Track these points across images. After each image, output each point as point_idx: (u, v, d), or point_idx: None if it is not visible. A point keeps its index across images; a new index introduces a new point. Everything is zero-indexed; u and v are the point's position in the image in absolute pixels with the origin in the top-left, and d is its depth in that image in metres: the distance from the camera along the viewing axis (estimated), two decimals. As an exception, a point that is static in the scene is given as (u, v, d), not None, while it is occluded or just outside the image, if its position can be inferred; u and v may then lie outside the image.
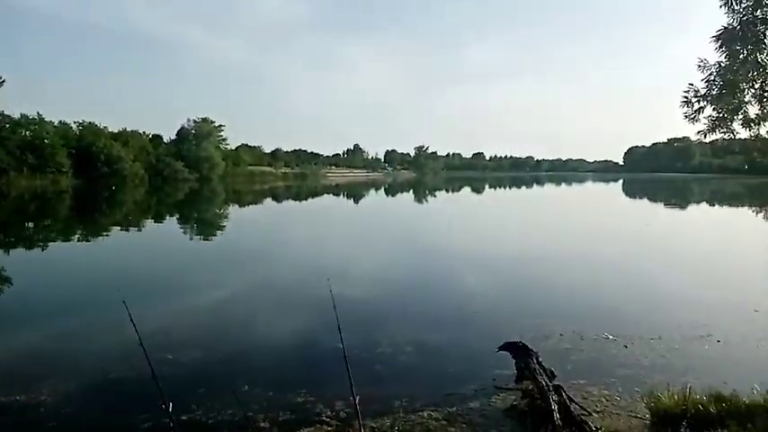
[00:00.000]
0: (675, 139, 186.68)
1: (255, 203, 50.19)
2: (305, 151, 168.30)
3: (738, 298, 12.15)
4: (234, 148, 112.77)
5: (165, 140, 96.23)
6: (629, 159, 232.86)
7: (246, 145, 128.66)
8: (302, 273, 15.62)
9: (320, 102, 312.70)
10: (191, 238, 24.83)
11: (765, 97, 6.16)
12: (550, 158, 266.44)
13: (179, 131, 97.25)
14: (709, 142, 7.01)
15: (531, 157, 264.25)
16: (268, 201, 54.22)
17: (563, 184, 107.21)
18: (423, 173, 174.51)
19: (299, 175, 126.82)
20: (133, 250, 20.41)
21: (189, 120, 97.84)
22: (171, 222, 33.74)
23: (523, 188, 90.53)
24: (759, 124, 6.35)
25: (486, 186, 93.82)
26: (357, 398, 4.98)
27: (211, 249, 21.27)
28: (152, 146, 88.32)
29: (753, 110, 6.31)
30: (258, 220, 35.26)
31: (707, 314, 10.72)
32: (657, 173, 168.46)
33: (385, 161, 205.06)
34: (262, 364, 8.07)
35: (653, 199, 60.75)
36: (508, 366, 7.36)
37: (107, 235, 24.79)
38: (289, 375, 7.54)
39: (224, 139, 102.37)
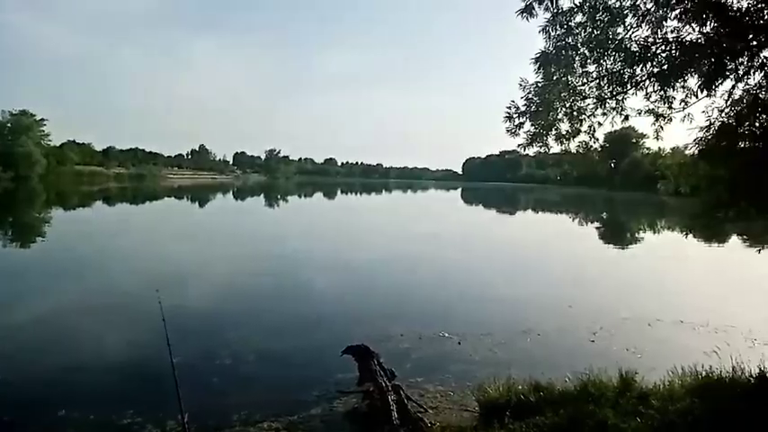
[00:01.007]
0: (506, 152, 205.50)
1: (83, 206, 45.26)
2: (143, 150, 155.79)
3: (556, 295, 13.62)
4: (59, 146, 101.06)
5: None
6: (467, 169, 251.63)
7: (74, 142, 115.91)
8: (131, 283, 14.09)
9: (162, 99, 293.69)
10: (1, 246, 21.56)
11: (574, 116, 6.98)
12: (398, 166, 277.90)
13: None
14: (534, 155, 7.72)
15: (381, 165, 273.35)
16: (98, 204, 49.21)
17: (409, 191, 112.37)
18: (274, 177, 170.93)
19: (135, 176, 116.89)
20: None
21: (4, 112, 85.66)
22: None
23: (373, 194, 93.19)
24: (569, 140, 7.17)
25: (339, 192, 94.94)
26: (186, 414, 4.63)
27: (27, 258, 18.65)
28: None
29: (564, 126, 7.12)
30: (84, 225, 31.73)
31: (530, 310, 11.85)
32: (491, 182, 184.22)
33: (234, 164, 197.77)
34: (82, 386, 7.18)
35: (487, 206, 66.21)
36: (352, 370, 7.38)
37: None
38: (113, 396, 6.81)
39: (46, 135, 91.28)
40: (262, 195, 76.27)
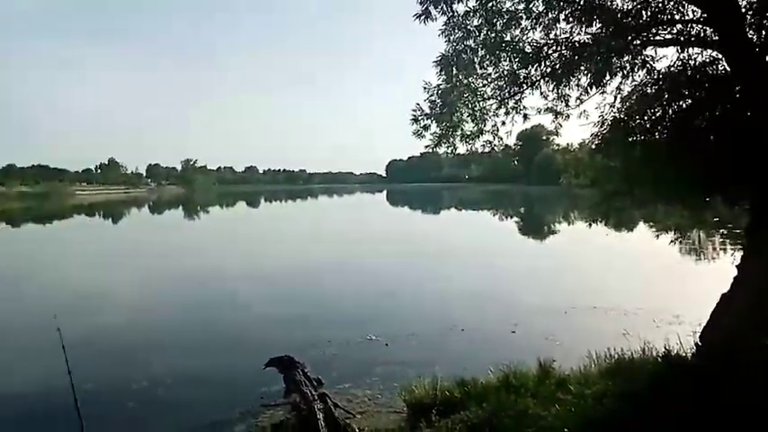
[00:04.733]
0: (427, 153, 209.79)
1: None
2: (47, 167, 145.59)
3: (478, 290, 14.01)
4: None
5: None
6: (391, 171, 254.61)
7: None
8: (27, 311, 13.07)
9: (65, 112, 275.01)
10: None
11: (477, 116, 7.20)
12: (322, 171, 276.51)
13: None
14: (451, 156, 7.85)
15: (304, 171, 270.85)
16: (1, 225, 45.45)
17: (335, 196, 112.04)
18: (192, 188, 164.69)
19: (40, 194, 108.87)
20: None
21: None
22: None
23: (298, 200, 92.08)
24: (474, 140, 7.38)
25: (262, 200, 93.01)
26: (91, 449, 4.34)
27: None
28: None
29: (468, 127, 7.32)
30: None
31: (454, 307, 12.13)
32: (415, 183, 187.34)
33: (148, 176, 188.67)
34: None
35: (412, 207, 67.21)
36: (277, 382, 7.22)
37: None
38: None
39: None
40: (180, 208, 73.26)
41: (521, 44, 6.56)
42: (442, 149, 7.35)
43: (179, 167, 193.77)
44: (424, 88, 6.84)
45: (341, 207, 76.47)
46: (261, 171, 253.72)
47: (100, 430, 4.16)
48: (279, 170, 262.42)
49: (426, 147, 7.27)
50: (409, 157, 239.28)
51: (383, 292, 14.61)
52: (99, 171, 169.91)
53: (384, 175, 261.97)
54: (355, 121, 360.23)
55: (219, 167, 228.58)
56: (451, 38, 6.70)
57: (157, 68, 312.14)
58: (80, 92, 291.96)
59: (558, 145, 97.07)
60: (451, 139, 7.23)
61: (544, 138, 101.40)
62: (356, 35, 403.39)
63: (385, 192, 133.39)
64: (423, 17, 6.55)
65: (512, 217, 46.88)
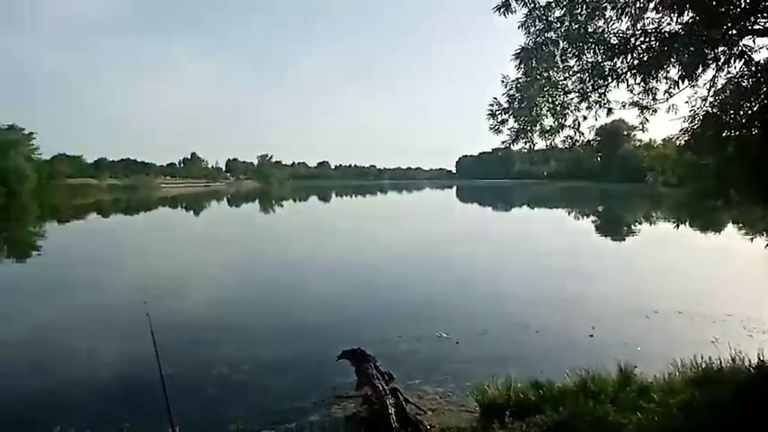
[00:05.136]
0: (499, 149, 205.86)
1: (77, 219, 45.02)
2: (134, 161, 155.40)
3: (553, 290, 13.61)
4: (49, 159, 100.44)
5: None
6: (461, 167, 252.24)
7: (64, 155, 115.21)
8: (122, 296, 13.95)
9: (152, 109, 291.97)
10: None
11: (558, 111, 6.96)
12: (392, 167, 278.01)
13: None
14: (528, 151, 7.67)
15: (374, 166, 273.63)
16: (93, 216, 48.97)
17: (404, 192, 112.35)
18: (268, 182, 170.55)
19: (128, 187, 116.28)
20: None
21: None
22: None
23: (368, 196, 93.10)
24: (554, 135, 7.15)
25: (333, 195, 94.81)
26: (177, 428, 4.59)
27: (18, 274, 18.53)
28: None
29: (548, 122, 7.11)
30: (77, 238, 31.58)
31: (527, 307, 11.83)
32: (486, 179, 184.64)
33: (227, 170, 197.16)
34: (76, 400, 7.14)
35: (482, 203, 66.28)
36: (349, 374, 7.33)
37: None
38: (107, 410, 6.77)
39: (35, 149, 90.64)
40: (256, 201, 76.08)
41: (605, 35, 6.29)
42: (519, 145, 7.17)
43: (256, 162, 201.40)
44: (502, 82, 6.71)
45: (408, 202, 76.58)
46: (333, 167, 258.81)
47: (183, 411, 4.38)
48: (350, 166, 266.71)
49: (503, 142, 7.14)
50: (480, 153, 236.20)
51: (452, 289, 14.51)
52: (182, 165, 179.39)
53: (454, 171, 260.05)
54: (426, 117, 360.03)
55: (293, 163, 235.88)
56: (531, 30, 6.52)
57: (237, 68, 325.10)
58: (166, 90, 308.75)
59: (639, 141, 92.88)
60: (530, 135, 7.05)
61: (625, 133, 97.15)
62: (429, 30, 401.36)
63: (454, 188, 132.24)
64: (502, 9, 6.42)
65: (589, 215, 45.17)
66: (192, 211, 56.70)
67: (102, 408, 6.92)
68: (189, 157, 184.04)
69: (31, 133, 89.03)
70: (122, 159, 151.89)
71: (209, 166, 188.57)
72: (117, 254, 23.02)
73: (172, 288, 14.80)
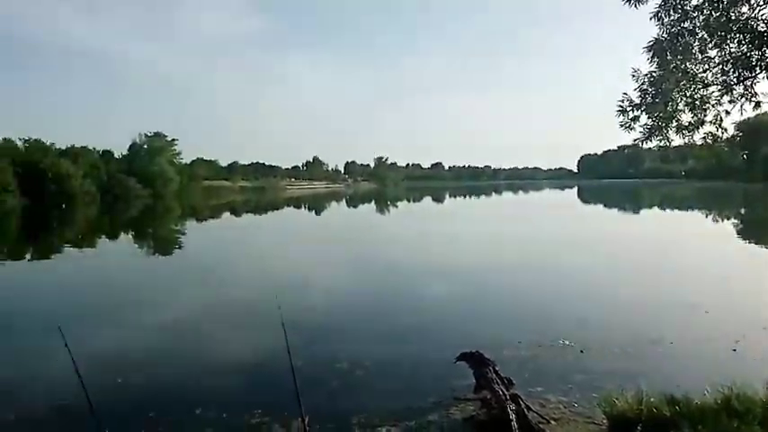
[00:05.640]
0: (626, 146, 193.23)
1: (213, 218, 49.15)
2: (263, 164, 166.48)
3: (689, 300, 12.45)
4: (188, 163, 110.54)
5: (116, 156, 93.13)
6: (583, 166, 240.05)
7: (202, 159, 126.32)
8: (254, 289, 15.16)
9: (277, 114, 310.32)
10: (143, 257, 24.06)
11: (697, 105, 6.38)
12: (507, 167, 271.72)
13: (130, 147, 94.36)
14: (663, 149, 7.15)
15: (489, 166, 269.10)
16: (226, 215, 53.20)
17: (520, 192, 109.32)
18: (383, 184, 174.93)
19: (257, 188, 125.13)
20: (81, 271, 19.55)
21: (141, 135, 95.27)
22: (124, 240, 32.69)
23: (483, 196, 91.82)
24: (692, 131, 6.56)
25: (447, 195, 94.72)
26: (307, 417, 4.84)
27: (163, 267, 20.64)
28: (103, 162, 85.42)
29: (686, 117, 6.53)
30: (214, 235, 34.48)
31: (660, 317, 10.97)
32: (610, 179, 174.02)
33: (345, 173, 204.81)
34: (214, 386, 7.77)
35: (607, 205, 62.58)
36: (467, 377, 7.27)
37: (56, 256, 23.78)
38: (242, 397, 7.29)
39: (178, 154, 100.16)
40: (372, 202, 78.16)
41: (751, 22, 5.67)
42: (653, 143, 6.68)
43: (372, 165, 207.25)
44: (633, 76, 6.30)
45: (523, 203, 74.33)
46: (446, 167, 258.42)
47: (309, 402, 4.61)
48: (464, 166, 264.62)
49: (635, 140, 6.69)
50: (604, 152, 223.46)
51: (575, 294, 13.86)
52: (305, 168, 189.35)
53: (575, 170, 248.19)
54: (544, 114, 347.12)
55: (408, 164, 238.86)
56: (665, 21, 6.05)
57: (353, 73, 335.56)
58: (289, 98, 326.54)
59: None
60: (665, 132, 6.54)
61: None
62: (544, 25, 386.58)
63: (576, 188, 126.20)
64: (633, 0, 6.04)
65: (730, 219, 40.92)
66: (313, 211, 59.55)
67: (237, 393, 7.47)
68: (311, 160, 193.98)
69: (174, 139, 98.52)
70: (252, 163, 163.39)
71: (329, 168, 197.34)
72: (249, 250, 24.84)
73: (298, 283, 15.74)
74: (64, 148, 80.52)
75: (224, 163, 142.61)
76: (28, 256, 24.54)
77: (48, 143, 79.26)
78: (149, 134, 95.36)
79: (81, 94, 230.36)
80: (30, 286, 16.46)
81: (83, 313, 12.57)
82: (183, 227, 40.15)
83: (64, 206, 60.59)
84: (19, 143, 77.79)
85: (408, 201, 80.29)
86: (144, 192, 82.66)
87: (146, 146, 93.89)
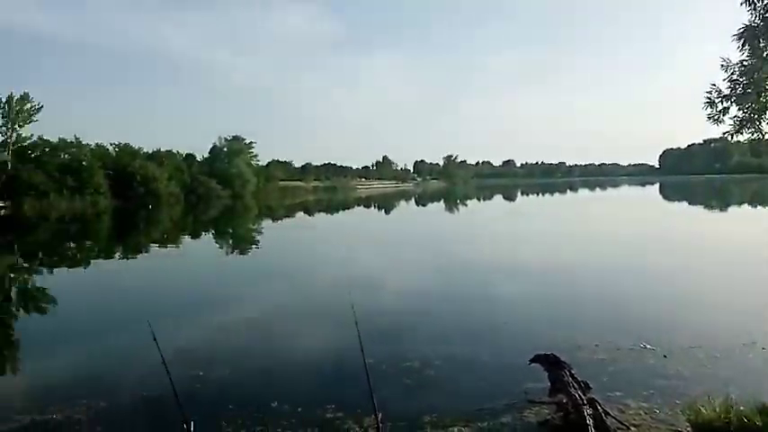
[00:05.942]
0: (712, 140, 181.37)
1: (288, 217, 50.72)
2: (334, 165, 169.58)
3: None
4: (265, 165, 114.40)
5: (198, 159, 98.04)
6: (665, 162, 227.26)
7: (277, 161, 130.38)
8: (328, 287, 15.61)
9: (348, 115, 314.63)
10: (223, 255, 25.20)
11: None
12: (583, 163, 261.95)
13: (211, 150, 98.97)
14: (749, 142, 6.72)
15: (563, 163, 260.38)
16: (300, 214, 54.74)
17: (597, 189, 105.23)
18: (452, 182, 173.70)
19: (329, 188, 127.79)
20: (167, 269, 20.80)
21: (220, 138, 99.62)
22: (206, 239, 34.45)
23: (557, 194, 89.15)
24: (788, 123, 6.11)
25: (518, 194, 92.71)
26: (380, 414, 4.93)
27: (241, 265, 21.54)
28: (186, 165, 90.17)
29: None
30: (289, 234, 35.59)
31: (750, 320, 10.27)
32: (695, 175, 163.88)
33: (414, 172, 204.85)
34: (289, 381, 8.06)
35: (692, 202, 59.13)
36: (541, 379, 7.14)
37: (145, 253, 25.48)
38: (316, 392, 7.49)
39: (255, 156, 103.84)
40: (441, 201, 77.80)
41: None
42: (744, 136, 6.29)
43: (441, 163, 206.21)
44: (722, 66, 5.93)
45: (599, 200, 71.43)
46: (518, 165, 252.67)
47: (381, 399, 4.70)
48: (536, 163, 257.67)
49: (724, 133, 6.31)
50: (689, 145, 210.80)
51: (656, 296, 13.22)
52: (375, 168, 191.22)
53: (657, 165, 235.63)
54: (622, 109, 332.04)
55: (478, 162, 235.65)
56: (758, 5, 5.67)
57: (424, 73, 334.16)
58: (360, 98, 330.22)
59: None
60: (757, 123, 6.14)
61: None
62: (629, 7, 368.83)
63: (657, 184, 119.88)
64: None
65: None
66: (383, 210, 60.05)
67: (312, 389, 7.70)
68: (381, 160, 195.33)
69: (252, 142, 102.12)
70: (324, 164, 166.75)
71: (399, 167, 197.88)
72: (321, 248, 25.47)
73: (370, 282, 15.98)
74: (150, 151, 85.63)
75: (298, 164, 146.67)
76: (118, 255, 26.29)
77: (136, 147, 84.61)
78: (228, 137, 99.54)
79: (166, 100, 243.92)
80: (120, 283, 17.65)
81: (169, 309, 13.38)
82: (259, 226, 41.70)
83: (150, 207, 64.37)
84: (110, 148, 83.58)
85: (478, 199, 79.22)
86: (224, 192, 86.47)
87: (225, 149, 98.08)
